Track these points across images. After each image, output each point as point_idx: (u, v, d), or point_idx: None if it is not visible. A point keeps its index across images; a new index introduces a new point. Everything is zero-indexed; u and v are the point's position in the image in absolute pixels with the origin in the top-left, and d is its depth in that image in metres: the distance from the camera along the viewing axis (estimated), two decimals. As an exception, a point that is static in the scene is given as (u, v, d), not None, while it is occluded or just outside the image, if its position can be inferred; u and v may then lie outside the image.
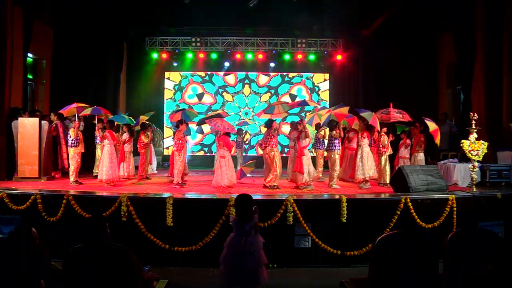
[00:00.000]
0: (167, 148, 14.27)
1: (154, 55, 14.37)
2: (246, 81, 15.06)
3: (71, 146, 8.50)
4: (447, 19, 11.85)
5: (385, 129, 8.84)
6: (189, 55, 14.42)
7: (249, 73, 15.03)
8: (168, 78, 15.04)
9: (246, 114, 14.89)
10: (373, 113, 8.46)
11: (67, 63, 11.55)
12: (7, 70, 8.66)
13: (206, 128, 13.40)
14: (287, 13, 13.45)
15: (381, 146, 8.87)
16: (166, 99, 14.97)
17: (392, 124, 9.50)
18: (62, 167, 9.65)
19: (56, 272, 3.33)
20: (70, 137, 8.54)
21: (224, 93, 15.05)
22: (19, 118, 8.67)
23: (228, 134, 8.75)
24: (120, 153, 9.52)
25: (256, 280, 4.12)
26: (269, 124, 8.31)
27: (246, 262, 4.05)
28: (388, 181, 8.68)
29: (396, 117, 8.63)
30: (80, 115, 8.84)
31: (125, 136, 9.70)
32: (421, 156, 9.11)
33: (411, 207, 6.37)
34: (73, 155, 8.50)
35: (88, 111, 8.89)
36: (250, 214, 4.13)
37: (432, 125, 8.69)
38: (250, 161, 9.76)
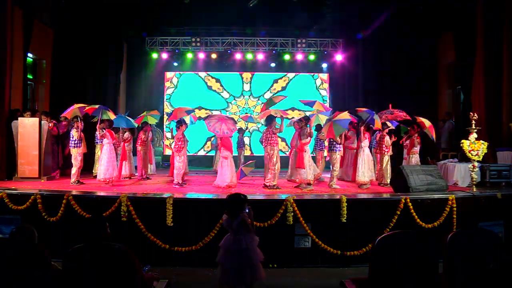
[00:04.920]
0: (168, 145, 14.27)
1: (154, 55, 14.37)
2: (248, 80, 15.08)
3: (74, 147, 8.50)
4: (447, 19, 11.86)
5: (386, 130, 8.87)
6: (189, 55, 14.42)
7: (248, 73, 15.03)
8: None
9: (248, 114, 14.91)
10: (375, 113, 8.42)
11: (67, 63, 11.55)
12: (7, 70, 8.66)
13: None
14: (287, 13, 13.45)
15: (384, 146, 8.88)
16: (166, 99, 14.98)
17: (397, 125, 9.52)
18: (60, 166, 9.68)
19: (56, 272, 3.33)
20: (72, 137, 8.54)
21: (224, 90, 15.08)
22: (19, 118, 8.67)
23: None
24: (121, 152, 9.54)
25: (246, 279, 4.12)
26: (269, 121, 8.27)
27: (234, 260, 4.07)
28: (388, 181, 8.69)
29: (400, 116, 8.67)
30: (85, 110, 8.77)
31: (127, 135, 9.70)
32: (416, 157, 9.09)
33: (411, 207, 6.37)
34: (75, 156, 8.51)
35: (94, 106, 8.78)
36: (238, 212, 4.15)
37: (427, 122, 8.71)
38: (250, 161, 9.76)
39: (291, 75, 15.09)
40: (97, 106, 8.84)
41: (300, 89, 15.06)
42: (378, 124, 8.41)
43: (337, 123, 7.89)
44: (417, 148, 9.12)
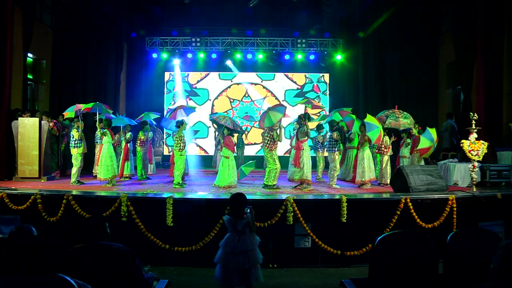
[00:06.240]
0: (168, 144, 14.27)
1: (154, 55, 14.38)
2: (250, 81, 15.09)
3: (74, 147, 8.50)
4: (447, 20, 11.87)
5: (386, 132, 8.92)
6: (189, 55, 14.42)
7: (248, 72, 15.03)
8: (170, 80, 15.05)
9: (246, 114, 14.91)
10: (380, 128, 8.24)
11: (67, 63, 11.56)
12: (7, 70, 8.67)
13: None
14: (287, 13, 13.47)
15: (383, 146, 8.89)
16: (166, 99, 14.98)
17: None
18: (60, 166, 9.70)
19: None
20: (72, 137, 8.54)
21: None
22: (19, 118, 8.68)
23: (231, 134, 8.75)
24: (123, 152, 9.54)
25: (249, 280, 4.12)
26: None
27: (238, 262, 4.06)
28: (388, 181, 8.69)
29: (405, 124, 8.64)
30: (82, 109, 8.74)
31: (129, 135, 9.70)
32: (418, 156, 9.09)
33: (411, 207, 6.37)
34: (75, 156, 8.51)
35: (89, 105, 8.70)
36: (243, 212, 4.14)
37: (424, 142, 8.36)
38: (250, 161, 9.76)
39: (291, 75, 15.09)
40: (91, 106, 8.77)
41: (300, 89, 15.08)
42: (379, 142, 8.45)
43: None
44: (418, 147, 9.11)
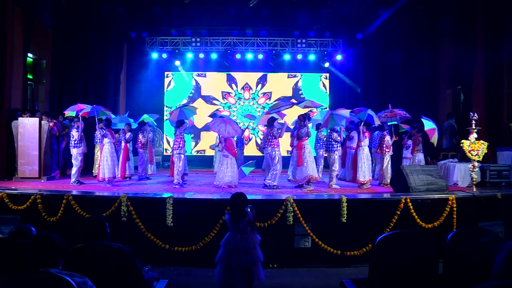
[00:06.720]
0: (169, 143, 14.27)
1: (154, 55, 14.37)
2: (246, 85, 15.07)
3: (74, 147, 8.51)
4: (447, 19, 11.86)
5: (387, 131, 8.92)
6: (189, 55, 14.42)
7: (248, 73, 15.02)
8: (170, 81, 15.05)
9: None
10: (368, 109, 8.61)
11: (67, 63, 11.57)
12: (7, 70, 8.67)
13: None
14: (287, 13, 13.46)
15: (384, 146, 8.89)
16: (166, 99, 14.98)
17: (396, 124, 9.53)
18: (60, 166, 9.71)
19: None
20: (72, 137, 8.54)
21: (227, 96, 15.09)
22: (19, 118, 8.69)
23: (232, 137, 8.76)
24: (123, 152, 9.55)
25: (250, 279, 4.12)
26: (270, 123, 8.30)
27: (240, 260, 4.06)
28: (388, 181, 8.69)
29: (400, 113, 8.73)
30: (81, 114, 8.79)
31: (128, 135, 9.71)
32: (420, 156, 9.12)
33: (411, 207, 6.36)
34: (75, 156, 8.51)
35: (88, 109, 8.80)
36: (244, 212, 4.15)
37: (428, 124, 8.69)
38: (250, 161, 9.76)
39: (291, 75, 15.08)
40: (89, 110, 8.76)
41: (300, 89, 15.07)
42: (377, 120, 8.51)
43: (334, 116, 8.26)
44: (419, 147, 9.13)
